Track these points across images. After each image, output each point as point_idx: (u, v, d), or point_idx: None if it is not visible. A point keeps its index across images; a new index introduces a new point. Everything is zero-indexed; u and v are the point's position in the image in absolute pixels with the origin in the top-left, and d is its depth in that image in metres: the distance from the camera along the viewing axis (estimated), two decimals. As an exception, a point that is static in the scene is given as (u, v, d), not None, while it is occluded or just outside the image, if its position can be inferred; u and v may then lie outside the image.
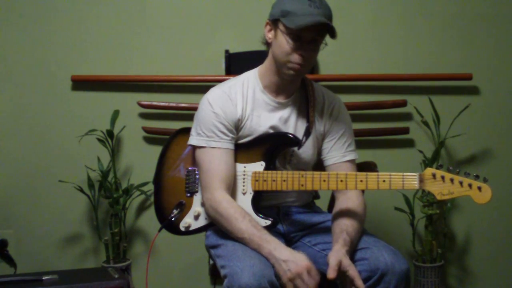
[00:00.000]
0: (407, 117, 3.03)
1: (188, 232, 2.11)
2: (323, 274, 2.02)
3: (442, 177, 1.90)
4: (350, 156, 2.13)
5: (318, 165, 2.18)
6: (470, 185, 1.88)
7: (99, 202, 2.92)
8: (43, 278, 2.28)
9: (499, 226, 3.09)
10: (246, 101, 2.06)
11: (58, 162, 3.01)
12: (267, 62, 2.07)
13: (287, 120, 2.08)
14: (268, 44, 2.05)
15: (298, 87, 2.11)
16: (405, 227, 2.96)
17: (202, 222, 2.10)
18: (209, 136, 2.02)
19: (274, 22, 1.99)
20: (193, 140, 2.06)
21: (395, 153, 3.04)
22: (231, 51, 2.91)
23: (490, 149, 3.06)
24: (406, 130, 2.99)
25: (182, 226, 2.10)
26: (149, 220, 3.04)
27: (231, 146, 2.03)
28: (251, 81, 2.09)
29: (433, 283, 2.87)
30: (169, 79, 2.94)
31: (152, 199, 3.00)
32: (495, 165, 3.04)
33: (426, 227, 2.90)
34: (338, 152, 2.12)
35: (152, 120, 2.99)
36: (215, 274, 2.10)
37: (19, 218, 3.03)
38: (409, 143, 3.04)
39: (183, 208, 2.10)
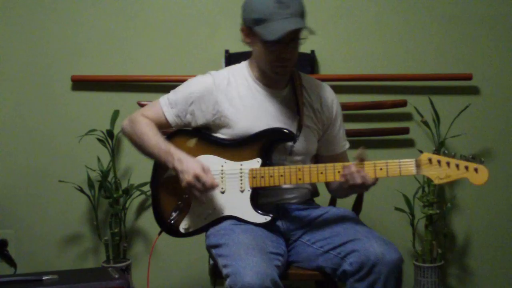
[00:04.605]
0: (407, 117, 3.03)
1: (188, 233, 2.11)
2: (324, 278, 2.03)
3: (438, 161, 1.90)
4: (345, 146, 2.20)
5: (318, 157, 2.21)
6: (466, 167, 1.88)
7: (99, 202, 2.92)
8: (43, 278, 2.28)
9: (499, 226, 3.09)
10: (239, 91, 2.08)
11: (58, 162, 3.01)
12: (253, 58, 2.11)
13: (280, 114, 2.08)
14: (246, 44, 2.08)
15: (288, 79, 2.12)
16: (405, 227, 2.96)
17: (202, 222, 2.10)
18: (171, 103, 2.10)
19: (248, 28, 2.01)
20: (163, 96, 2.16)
21: (395, 153, 3.04)
22: (231, 51, 2.91)
23: (490, 149, 3.06)
24: (406, 130, 2.99)
25: (182, 228, 2.10)
26: (149, 220, 3.02)
27: (171, 122, 2.11)
28: (244, 72, 2.12)
29: (433, 283, 2.87)
30: (169, 79, 2.94)
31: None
32: (495, 165, 3.04)
33: (426, 227, 2.91)
34: (334, 144, 2.17)
35: (152, 120, 2.99)
36: (215, 274, 2.10)
37: (19, 218, 3.03)
38: (409, 143, 3.04)
39: (182, 210, 2.10)
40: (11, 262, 2.90)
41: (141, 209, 3.05)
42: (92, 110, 3.00)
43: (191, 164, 1.96)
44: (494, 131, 3.05)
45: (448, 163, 1.90)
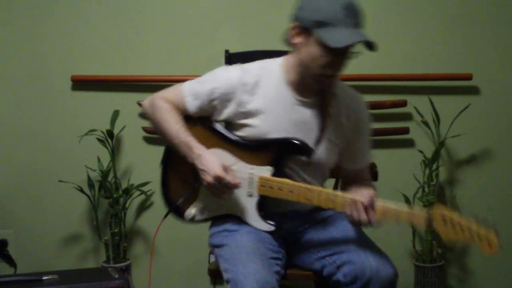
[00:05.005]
0: (407, 117, 3.03)
1: (193, 221, 2.06)
2: (322, 280, 2.01)
3: (452, 223, 1.82)
4: (365, 162, 2.11)
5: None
6: (479, 237, 1.81)
7: (99, 202, 2.93)
8: (43, 278, 2.28)
9: (499, 226, 3.07)
10: (267, 93, 1.98)
11: (58, 162, 3.01)
12: (293, 60, 1.96)
13: (303, 123, 1.99)
14: (291, 44, 1.93)
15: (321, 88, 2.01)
16: (405, 227, 2.96)
17: (207, 214, 2.05)
18: (194, 93, 1.99)
19: (305, 29, 1.88)
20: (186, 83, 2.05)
21: (395, 153, 3.04)
22: (231, 51, 2.90)
23: (490, 149, 3.06)
24: (406, 130, 2.99)
25: (187, 215, 2.04)
26: (149, 220, 3.04)
27: (193, 112, 2.01)
28: (276, 73, 2.00)
29: (433, 283, 2.87)
30: (169, 79, 2.94)
31: (152, 199, 3.02)
32: (495, 165, 3.04)
33: (426, 227, 2.90)
34: (355, 158, 2.09)
35: (152, 120, 2.99)
36: (215, 274, 2.10)
37: (19, 218, 3.03)
38: (409, 143, 3.04)
39: (190, 196, 2.04)
40: (11, 262, 2.90)
41: (141, 209, 3.05)
42: (92, 110, 3.00)
43: (211, 164, 1.89)
44: (494, 131, 3.05)
45: (461, 227, 1.82)
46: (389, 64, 3.01)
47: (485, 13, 3.01)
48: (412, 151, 3.00)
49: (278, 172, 1.97)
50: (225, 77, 2.02)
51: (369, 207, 1.83)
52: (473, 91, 3.04)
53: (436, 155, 2.88)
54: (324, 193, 1.91)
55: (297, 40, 1.90)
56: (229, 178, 1.88)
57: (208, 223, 2.17)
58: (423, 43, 3.02)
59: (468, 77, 2.98)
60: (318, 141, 2.00)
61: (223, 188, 1.90)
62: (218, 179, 1.88)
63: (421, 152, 2.90)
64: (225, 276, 1.86)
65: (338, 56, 1.86)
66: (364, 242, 1.96)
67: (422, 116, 2.94)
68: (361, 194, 1.87)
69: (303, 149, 1.97)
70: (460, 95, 3.03)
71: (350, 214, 1.86)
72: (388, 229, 2.98)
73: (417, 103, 2.96)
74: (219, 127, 2.04)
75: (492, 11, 3.01)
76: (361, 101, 2.09)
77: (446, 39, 3.02)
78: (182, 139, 1.96)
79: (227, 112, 2.00)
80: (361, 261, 1.86)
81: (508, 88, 3.05)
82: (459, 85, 3.02)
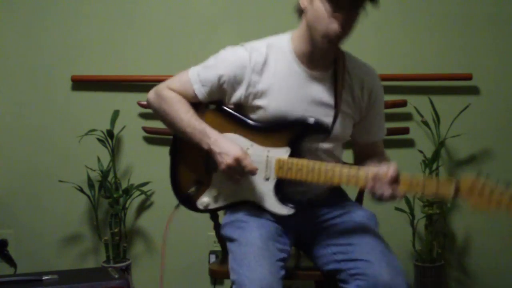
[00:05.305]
0: (407, 117, 3.03)
1: (206, 210, 2.04)
2: (325, 279, 2.01)
3: (482, 191, 1.74)
4: (380, 135, 2.08)
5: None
6: (508, 206, 1.72)
7: (99, 202, 2.93)
8: (43, 278, 2.28)
9: (499, 226, 3.09)
10: (277, 70, 1.94)
11: (58, 162, 3.01)
12: (301, 30, 1.93)
13: (317, 99, 1.95)
14: (301, 11, 1.90)
15: (332, 61, 1.97)
16: (405, 227, 2.96)
17: (221, 202, 2.01)
18: (202, 80, 1.97)
19: None
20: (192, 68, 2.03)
21: (395, 153, 3.03)
22: (231, 51, 2.91)
23: (490, 149, 3.06)
24: (406, 130, 2.99)
25: (200, 204, 2.02)
26: (149, 220, 3.04)
27: (202, 99, 1.98)
28: (285, 49, 1.96)
29: (433, 283, 2.87)
30: (169, 79, 2.94)
31: (152, 199, 3.02)
32: (495, 165, 3.04)
33: (426, 227, 2.91)
34: (369, 132, 2.05)
35: (152, 120, 2.99)
36: (215, 275, 2.10)
37: (19, 218, 3.03)
38: (409, 143, 3.04)
39: (202, 184, 2.01)
40: (11, 262, 2.91)
41: (141, 209, 3.05)
42: (92, 110, 3.00)
43: (229, 146, 1.88)
44: (494, 131, 3.05)
45: (491, 197, 1.73)
46: (389, 64, 3.01)
47: (485, 13, 3.01)
48: (412, 151, 3.00)
49: (295, 153, 1.92)
50: (232, 59, 1.97)
51: (394, 179, 1.77)
52: (473, 91, 3.04)
53: (436, 155, 2.88)
54: (346, 169, 1.85)
55: (304, 2, 1.87)
56: (247, 161, 1.87)
57: (211, 225, 2.17)
58: (423, 43, 3.02)
59: (468, 77, 2.98)
60: (334, 117, 1.95)
61: (241, 171, 1.87)
62: (238, 161, 1.86)
63: (421, 152, 2.90)
64: (231, 275, 1.84)
65: (343, 12, 1.82)
66: (379, 251, 1.89)
67: (422, 116, 2.94)
68: (384, 167, 1.80)
69: (321, 128, 1.93)
70: (460, 95, 3.03)
71: (372, 188, 1.80)
72: (388, 229, 2.98)
73: (417, 103, 2.96)
74: (230, 110, 1.99)
75: (492, 11, 3.01)
76: (374, 73, 2.07)
77: (446, 39, 3.02)
78: (196, 127, 1.93)
79: (237, 95, 1.96)
80: (375, 275, 1.81)
81: (508, 88, 3.05)
82: (459, 85, 3.02)
